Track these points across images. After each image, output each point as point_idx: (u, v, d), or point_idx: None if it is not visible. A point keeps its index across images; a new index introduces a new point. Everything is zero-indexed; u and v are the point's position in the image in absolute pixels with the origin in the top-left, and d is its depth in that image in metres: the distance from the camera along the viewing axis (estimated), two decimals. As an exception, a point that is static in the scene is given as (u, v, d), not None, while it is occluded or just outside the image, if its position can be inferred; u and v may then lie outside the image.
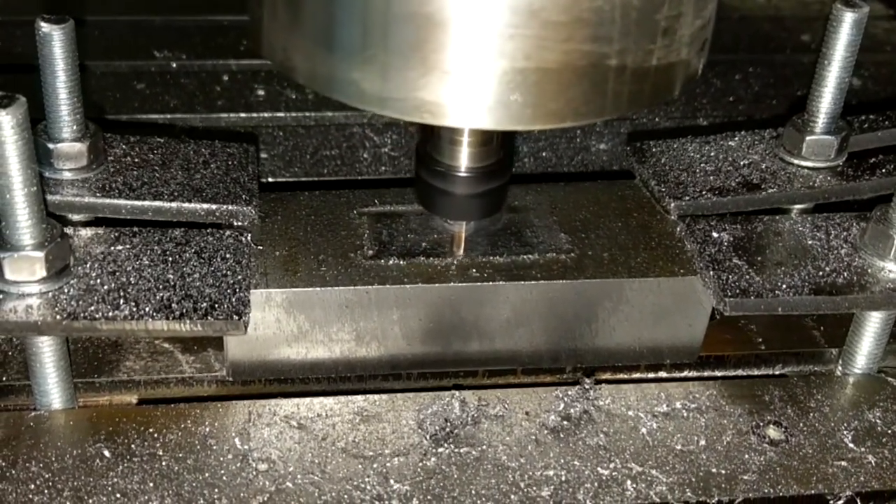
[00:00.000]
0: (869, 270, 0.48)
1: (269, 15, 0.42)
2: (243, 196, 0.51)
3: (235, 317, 0.44)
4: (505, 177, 0.50)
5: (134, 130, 0.66)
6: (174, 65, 0.73)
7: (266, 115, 0.68)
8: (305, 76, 0.42)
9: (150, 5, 0.81)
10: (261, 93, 0.71)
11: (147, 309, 0.44)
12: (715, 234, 0.51)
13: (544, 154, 0.66)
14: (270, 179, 0.64)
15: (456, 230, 0.51)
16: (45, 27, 0.47)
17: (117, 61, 0.73)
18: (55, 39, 0.47)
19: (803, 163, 0.55)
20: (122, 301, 0.44)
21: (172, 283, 0.45)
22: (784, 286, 0.47)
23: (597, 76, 0.40)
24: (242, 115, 0.68)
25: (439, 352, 0.50)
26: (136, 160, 0.52)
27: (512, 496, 0.43)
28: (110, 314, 0.43)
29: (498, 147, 0.49)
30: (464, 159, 0.49)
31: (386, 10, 0.38)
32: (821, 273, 0.48)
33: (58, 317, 0.43)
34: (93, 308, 0.43)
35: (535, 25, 0.38)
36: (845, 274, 0.48)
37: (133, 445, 0.44)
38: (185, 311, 0.44)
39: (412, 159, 0.65)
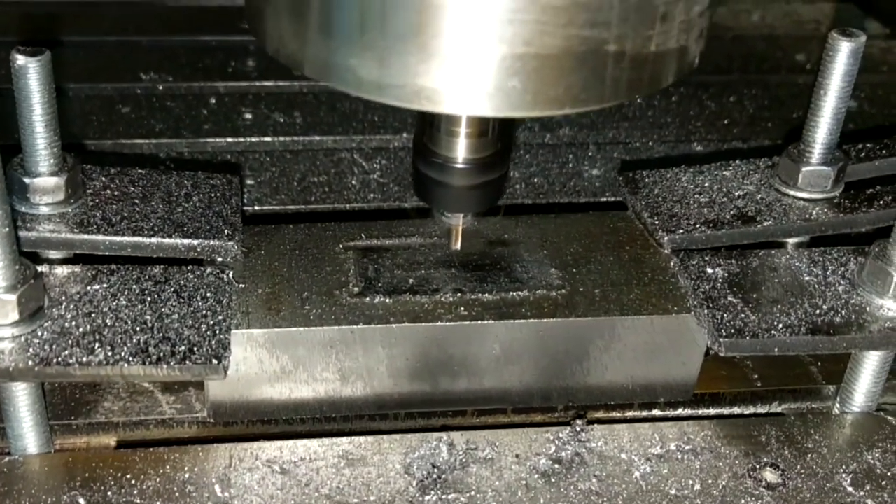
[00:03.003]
0: (867, 308, 0.47)
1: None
2: (226, 231, 0.50)
3: (215, 361, 0.43)
4: (503, 168, 0.49)
5: (117, 157, 0.65)
6: (160, 87, 0.72)
7: (253, 139, 0.67)
8: (301, 63, 0.41)
9: (138, 26, 0.79)
10: (248, 116, 0.69)
11: (123, 353, 0.42)
12: (710, 270, 0.49)
13: (535, 180, 0.65)
14: (256, 208, 0.62)
15: (453, 223, 0.50)
16: (20, 59, 0.46)
17: (102, 84, 0.71)
18: (31, 72, 0.46)
19: (799, 194, 0.54)
20: (97, 345, 0.42)
21: (150, 325, 0.44)
22: (780, 325, 0.46)
23: (596, 62, 0.39)
24: (229, 139, 0.67)
25: (427, 391, 0.49)
26: (116, 193, 0.51)
27: (501, 546, 0.42)
28: (85, 359, 0.42)
29: (495, 138, 0.48)
30: (461, 150, 0.48)
31: None
32: (818, 311, 0.47)
33: (30, 362, 0.41)
34: (67, 353, 0.42)
35: (535, 10, 0.37)
36: (843, 312, 0.47)
37: (110, 493, 0.43)
38: (162, 354, 0.43)
39: (402, 186, 0.64)
